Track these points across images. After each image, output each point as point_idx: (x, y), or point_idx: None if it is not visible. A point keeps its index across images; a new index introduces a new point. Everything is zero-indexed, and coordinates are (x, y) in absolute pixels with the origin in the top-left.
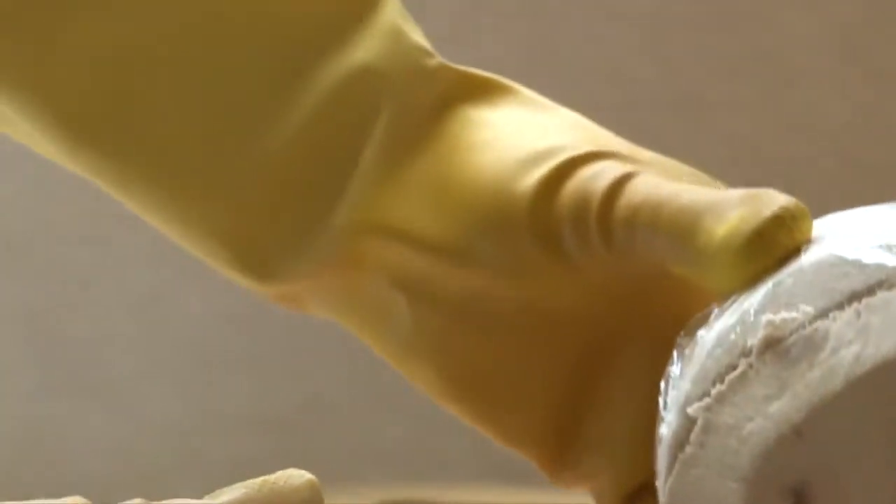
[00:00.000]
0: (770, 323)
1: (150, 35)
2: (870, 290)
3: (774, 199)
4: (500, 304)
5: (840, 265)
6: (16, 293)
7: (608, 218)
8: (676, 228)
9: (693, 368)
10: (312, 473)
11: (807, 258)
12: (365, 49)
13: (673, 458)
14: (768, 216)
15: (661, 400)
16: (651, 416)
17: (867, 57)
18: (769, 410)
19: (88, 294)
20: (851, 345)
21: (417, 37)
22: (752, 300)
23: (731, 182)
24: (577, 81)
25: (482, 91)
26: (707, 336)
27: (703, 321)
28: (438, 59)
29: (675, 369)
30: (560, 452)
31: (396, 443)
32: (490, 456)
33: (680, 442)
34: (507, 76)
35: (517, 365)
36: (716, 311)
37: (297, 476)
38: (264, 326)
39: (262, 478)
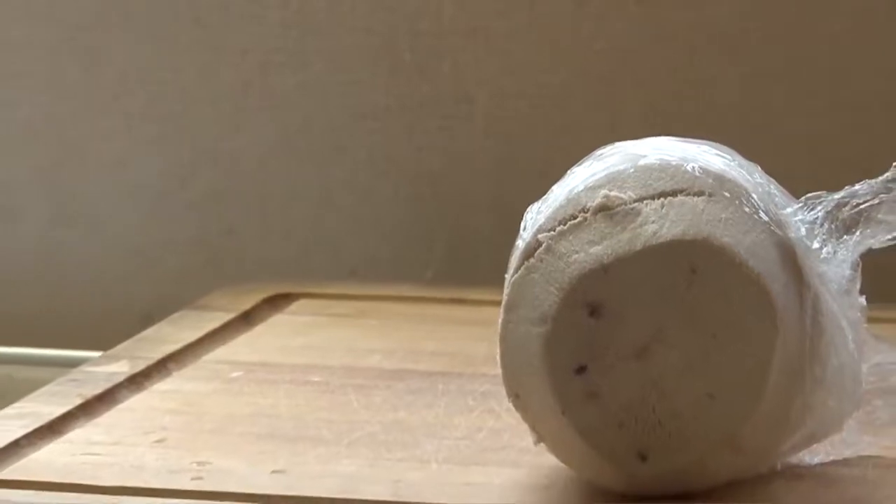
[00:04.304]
0: (606, 196)
1: None
2: (674, 193)
3: None
4: None
5: (660, 171)
6: (37, 155)
7: None
8: None
9: (548, 209)
10: (220, 282)
11: (641, 161)
12: None
13: (521, 263)
14: None
15: (522, 223)
16: None
17: None
18: (590, 250)
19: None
20: (653, 224)
21: None
22: (598, 178)
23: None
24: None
25: None
26: (561, 191)
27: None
28: None
29: (535, 206)
30: None
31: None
32: (350, 258)
33: (528, 254)
34: None
35: None
36: (569, 175)
37: None
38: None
39: None
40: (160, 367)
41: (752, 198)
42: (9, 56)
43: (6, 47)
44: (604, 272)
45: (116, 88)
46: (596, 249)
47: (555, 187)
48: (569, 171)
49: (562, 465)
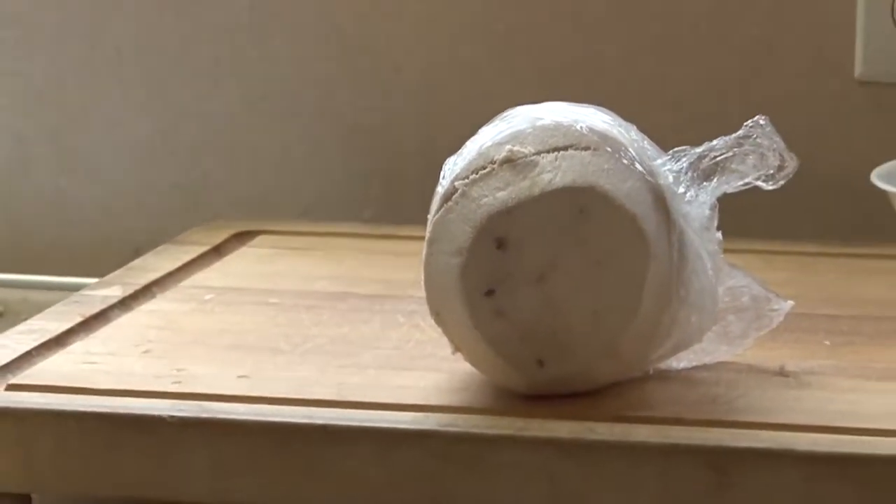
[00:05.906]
0: (510, 150)
1: None
2: (565, 147)
3: None
4: None
5: (553, 130)
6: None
7: None
8: None
9: (463, 161)
10: (196, 221)
11: (538, 123)
12: None
13: (440, 206)
14: None
15: (441, 173)
16: None
17: None
18: (497, 195)
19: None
20: (549, 173)
21: None
22: (503, 135)
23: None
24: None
25: None
26: (473, 146)
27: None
28: None
29: (452, 158)
30: None
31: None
32: (311, 195)
33: (446, 198)
34: None
35: None
36: (480, 133)
37: None
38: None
39: None
40: (146, 292)
41: (630, 152)
42: (21, 33)
43: (19, 27)
44: (508, 213)
45: (112, 60)
46: (502, 194)
47: (468, 143)
48: (480, 130)
49: (475, 370)
